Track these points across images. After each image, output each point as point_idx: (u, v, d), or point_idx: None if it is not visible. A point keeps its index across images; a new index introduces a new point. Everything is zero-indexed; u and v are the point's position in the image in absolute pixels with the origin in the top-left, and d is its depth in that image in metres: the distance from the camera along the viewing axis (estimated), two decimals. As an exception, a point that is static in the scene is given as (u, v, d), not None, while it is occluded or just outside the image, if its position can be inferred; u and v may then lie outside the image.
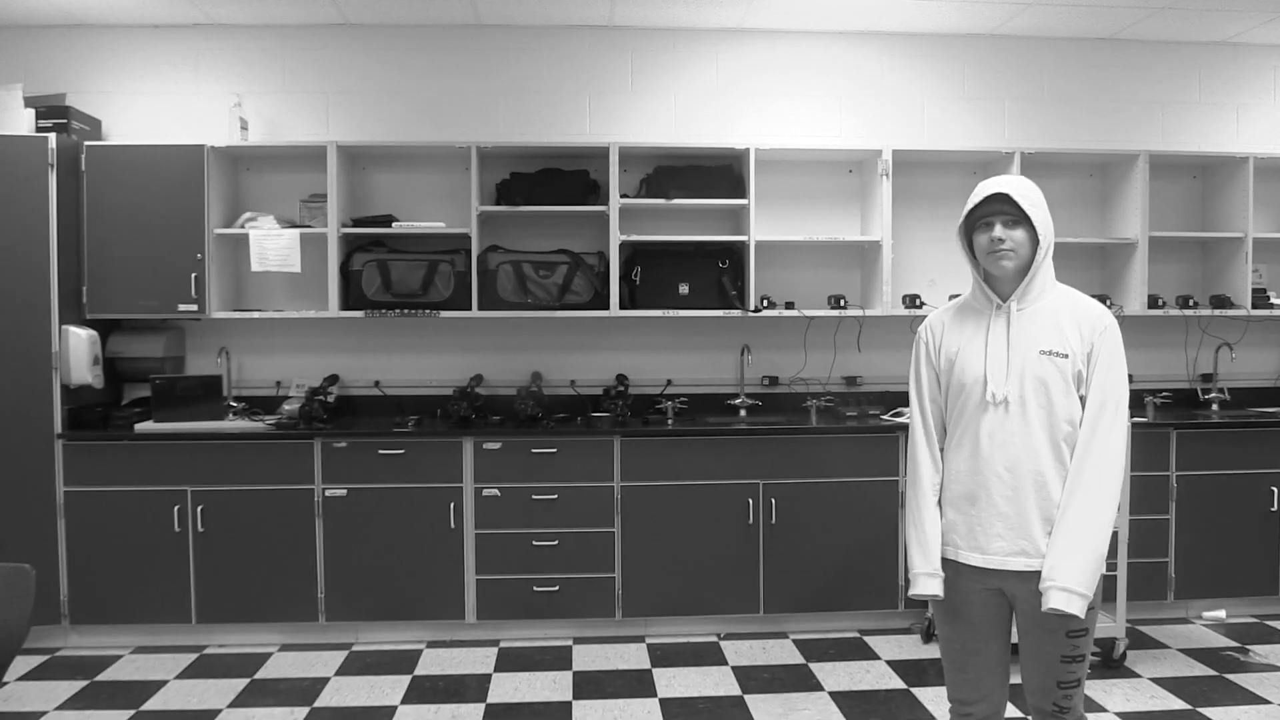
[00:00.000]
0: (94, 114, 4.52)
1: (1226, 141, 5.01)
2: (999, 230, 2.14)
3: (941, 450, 2.27)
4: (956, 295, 4.81)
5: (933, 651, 4.05)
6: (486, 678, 3.85)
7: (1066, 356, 2.12)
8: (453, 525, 4.14)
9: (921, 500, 2.24)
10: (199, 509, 4.07)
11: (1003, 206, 2.15)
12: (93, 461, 4.07)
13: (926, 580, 2.21)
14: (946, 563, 2.23)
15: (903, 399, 4.67)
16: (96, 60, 4.63)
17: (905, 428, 4.27)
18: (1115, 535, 3.74)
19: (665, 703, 3.56)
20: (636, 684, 3.74)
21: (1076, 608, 2.03)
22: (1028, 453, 2.12)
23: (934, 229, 4.72)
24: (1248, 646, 4.09)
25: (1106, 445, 2.08)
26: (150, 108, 4.63)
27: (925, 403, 2.29)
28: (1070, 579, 2.04)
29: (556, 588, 4.17)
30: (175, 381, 4.32)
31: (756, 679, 3.80)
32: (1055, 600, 2.04)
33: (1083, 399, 2.13)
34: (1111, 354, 2.13)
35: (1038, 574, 2.12)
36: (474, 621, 4.19)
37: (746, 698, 3.62)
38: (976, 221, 2.19)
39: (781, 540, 4.23)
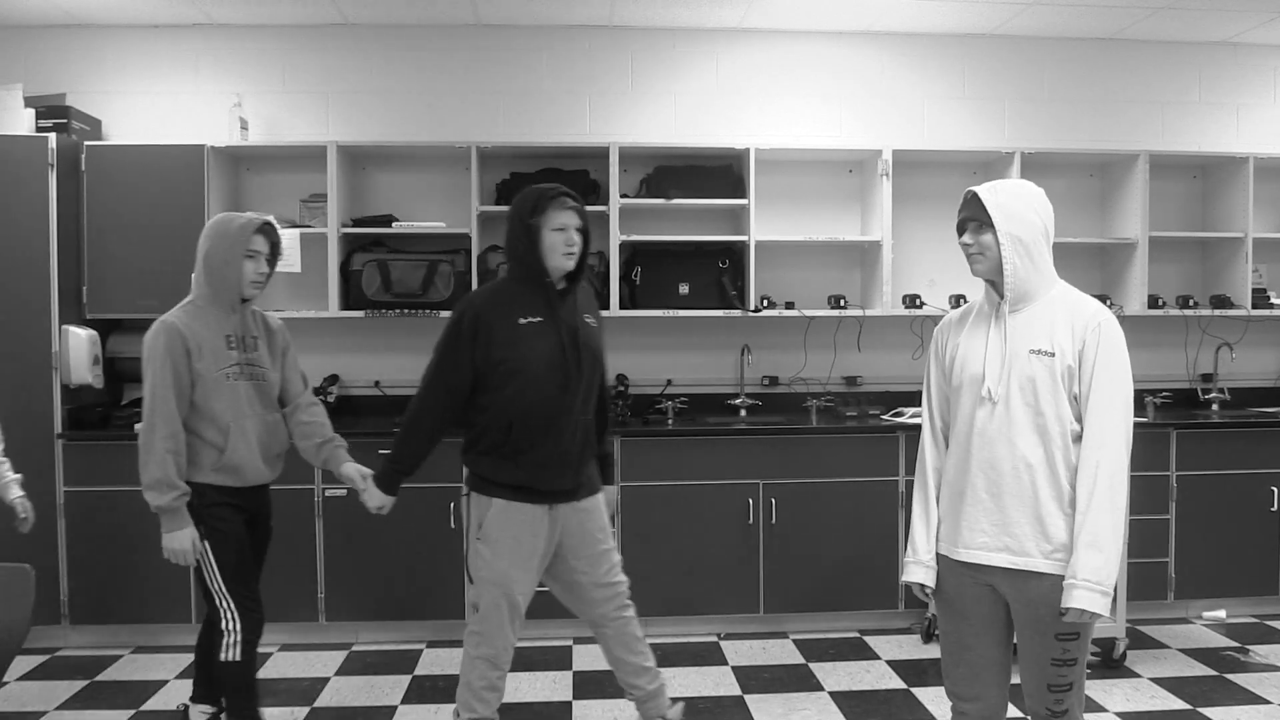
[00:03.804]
0: (94, 114, 4.52)
1: (1227, 141, 5.01)
2: (967, 236, 2.22)
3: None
4: (957, 295, 4.83)
5: (933, 651, 4.05)
6: (486, 678, 3.84)
7: (1054, 355, 2.13)
8: (453, 525, 4.14)
9: (925, 493, 2.32)
10: (199, 509, 4.07)
11: (974, 211, 2.21)
12: (93, 461, 4.07)
13: (913, 568, 2.29)
14: (940, 558, 2.27)
15: (902, 399, 4.68)
16: (96, 60, 4.63)
17: (905, 428, 4.28)
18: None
19: (665, 703, 3.56)
20: (636, 684, 3.74)
21: (1100, 606, 2.04)
22: (1012, 451, 2.14)
23: (934, 229, 4.72)
24: (1248, 646, 4.09)
25: (1116, 443, 2.09)
26: (150, 108, 4.64)
27: (933, 400, 2.35)
28: (1094, 574, 2.04)
29: (556, 588, 4.16)
30: (175, 381, 4.31)
31: (756, 679, 3.80)
32: (1079, 600, 2.04)
33: (1076, 397, 2.13)
34: (1108, 351, 2.11)
35: (1024, 574, 2.13)
36: (474, 621, 4.18)
37: (746, 698, 3.62)
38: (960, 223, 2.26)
39: (781, 540, 4.23)
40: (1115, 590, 3.79)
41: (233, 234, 2.85)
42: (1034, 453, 2.13)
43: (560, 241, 2.72)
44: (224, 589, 2.85)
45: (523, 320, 2.73)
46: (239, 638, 2.84)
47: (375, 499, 2.95)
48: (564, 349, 2.73)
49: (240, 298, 2.91)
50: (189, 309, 2.89)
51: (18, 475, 3.14)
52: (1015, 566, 2.14)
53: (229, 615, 2.85)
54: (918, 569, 2.28)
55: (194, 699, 3.13)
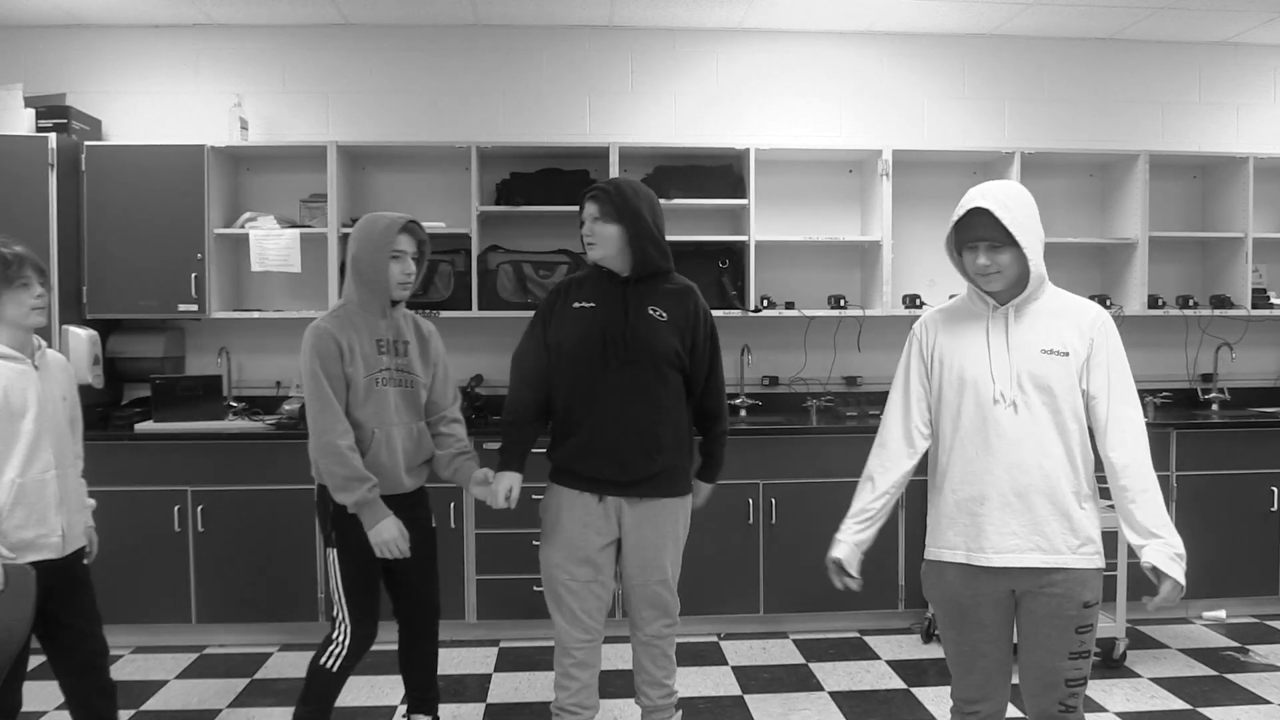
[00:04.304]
0: (94, 114, 4.52)
1: (1227, 141, 5.01)
2: (983, 258, 2.14)
3: (930, 450, 2.31)
4: (956, 295, 4.81)
5: (932, 651, 4.05)
6: (486, 678, 3.85)
7: (1068, 355, 2.15)
8: (453, 525, 4.14)
9: (873, 484, 2.33)
10: (199, 509, 4.07)
11: (986, 231, 2.13)
12: (92, 461, 4.01)
13: (841, 545, 2.36)
14: (958, 567, 2.23)
15: (903, 399, 4.68)
16: (96, 60, 4.63)
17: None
18: (1115, 535, 3.74)
19: (665, 703, 3.55)
20: (636, 684, 3.74)
21: (1183, 575, 2.08)
22: (1035, 450, 2.14)
23: (934, 229, 4.64)
24: (1248, 646, 4.09)
25: (1136, 432, 2.14)
26: (150, 108, 4.64)
27: (911, 394, 2.30)
28: (1180, 547, 2.10)
29: (556, 588, 4.16)
30: (175, 381, 4.32)
31: (756, 679, 3.80)
32: (1179, 573, 2.07)
33: (1084, 393, 2.16)
34: (1115, 347, 2.18)
35: (1051, 570, 2.14)
36: (474, 621, 4.19)
37: (746, 698, 3.62)
38: (963, 240, 2.19)
39: (781, 540, 4.23)
40: (1116, 590, 3.82)
41: (377, 237, 2.80)
42: (1057, 450, 2.14)
43: (583, 235, 2.77)
44: (344, 599, 2.81)
45: (576, 304, 2.77)
46: (344, 650, 2.81)
47: (504, 483, 2.82)
48: (604, 333, 2.71)
49: (390, 300, 2.87)
50: (340, 313, 2.85)
51: (91, 502, 2.97)
52: (1046, 565, 2.15)
53: (343, 626, 2.81)
54: (843, 548, 2.36)
55: (410, 711, 3.10)
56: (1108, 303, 4.65)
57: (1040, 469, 2.14)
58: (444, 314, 4.40)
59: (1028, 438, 2.14)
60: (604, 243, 2.73)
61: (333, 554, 2.81)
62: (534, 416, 2.85)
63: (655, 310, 2.76)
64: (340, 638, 2.81)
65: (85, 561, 2.87)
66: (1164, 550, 2.08)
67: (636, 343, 2.71)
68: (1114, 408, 2.14)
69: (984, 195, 2.14)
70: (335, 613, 2.84)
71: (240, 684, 3.76)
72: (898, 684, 3.73)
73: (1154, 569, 2.08)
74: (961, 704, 2.31)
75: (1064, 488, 2.14)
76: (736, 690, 3.70)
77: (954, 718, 2.33)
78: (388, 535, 2.74)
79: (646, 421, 2.73)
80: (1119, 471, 2.13)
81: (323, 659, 2.82)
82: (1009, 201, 2.13)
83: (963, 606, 2.25)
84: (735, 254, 4.57)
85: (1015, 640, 2.25)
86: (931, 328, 2.32)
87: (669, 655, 2.96)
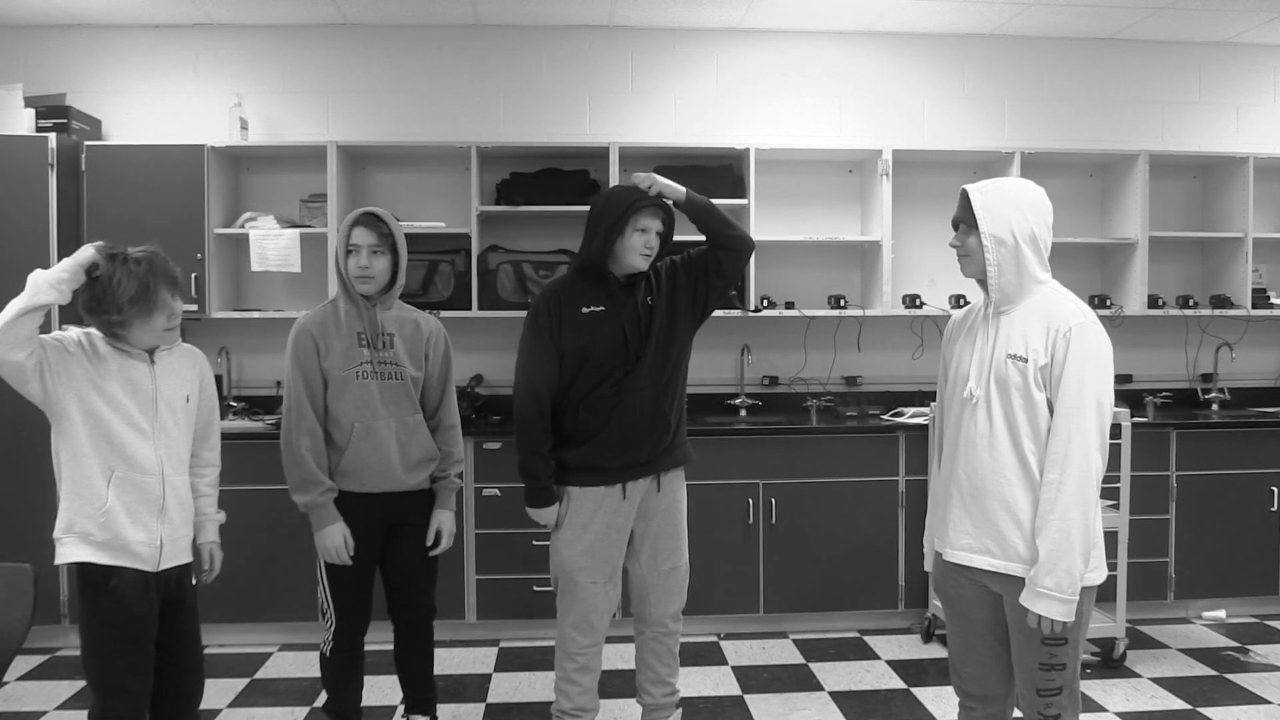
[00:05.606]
0: (94, 114, 4.52)
1: (1227, 141, 5.01)
2: (955, 237, 2.23)
3: None
4: (957, 295, 4.83)
5: (932, 651, 4.05)
6: (486, 678, 3.85)
7: (1026, 360, 2.11)
8: (453, 525, 4.14)
9: (935, 485, 2.41)
10: (199, 509, 4.06)
11: (962, 212, 2.21)
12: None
13: (927, 555, 2.44)
14: (939, 557, 2.31)
15: (902, 399, 4.68)
16: (96, 60, 4.63)
17: (905, 428, 4.28)
18: (1115, 535, 3.74)
19: (665, 703, 3.56)
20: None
21: (1061, 613, 2.03)
22: (991, 455, 2.14)
23: (934, 229, 4.71)
24: (1248, 646, 4.09)
25: (1082, 449, 2.04)
26: (150, 108, 4.64)
27: (940, 395, 2.41)
28: (1054, 582, 2.03)
29: (556, 588, 4.16)
30: (175, 381, 4.31)
31: (756, 679, 3.80)
32: (1041, 607, 2.05)
33: (1050, 402, 2.10)
34: (1078, 355, 2.06)
35: (1009, 578, 2.13)
36: (474, 621, 4.19)
37: (746, 698, 3.62)
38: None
39: (781, 540, 4.23)
40: (1116, 590, 3.82)
41: (340, 232, 2.86)
42: (1009, 457, 2.12)
43: (640, 243, 2.74)
44: (328, 592, 2.90)
45: (586, 310, 2.77)
46: (331, 635, 2.91)
47: (542, 519, 2.87)
48: (625, 332, 2.76)
49: (361, 294, 2.86)
50: (327, 306, 2.91)
51: (220, 515, 2.81)
52: (996, 570, 2.15)
53: (328, 615, 2.91)
54: (927, 558, 2.42)
55: (408, 711, 3.12)
56: (1108, 302, 4.64)
57: (993, 474, 2.13)
58: (444, 314, 4.38)
59: (984, 441, 2.14)
60: (654, 256, 2.80)
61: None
62: (549, 435, 2.82)
63: (649, 298, 2.84)
64: (327, 626, 2.92)
65: (195, 582, 2.69)
66: (1031, 589, 2.06)
67: (660, 333, 2.79)
68: (1057, 421, 2.06)
69: (980, 181, 2.23)
70: (322, 603, 2.92)
71: (240, 684, 3.76)
72: (898, 684, 3.73)
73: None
74: (964, 697, 2.32)
75: (1018, 497, 2.11)
76: (736, 690, 3.70)
77: (960, 712, 2.35)
78: (330, 542, 2.80)
79: (666, 404, 2.83)
80: (1042, 483, 2.08)
81: (321, 647, 2.95)
82: (990, 187, 2.19)
83: (949, 596, 2.29)
84: (735, 254, 4.57)
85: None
86: (950, 330, 2.39)
87: (674, 653, 2.99)
